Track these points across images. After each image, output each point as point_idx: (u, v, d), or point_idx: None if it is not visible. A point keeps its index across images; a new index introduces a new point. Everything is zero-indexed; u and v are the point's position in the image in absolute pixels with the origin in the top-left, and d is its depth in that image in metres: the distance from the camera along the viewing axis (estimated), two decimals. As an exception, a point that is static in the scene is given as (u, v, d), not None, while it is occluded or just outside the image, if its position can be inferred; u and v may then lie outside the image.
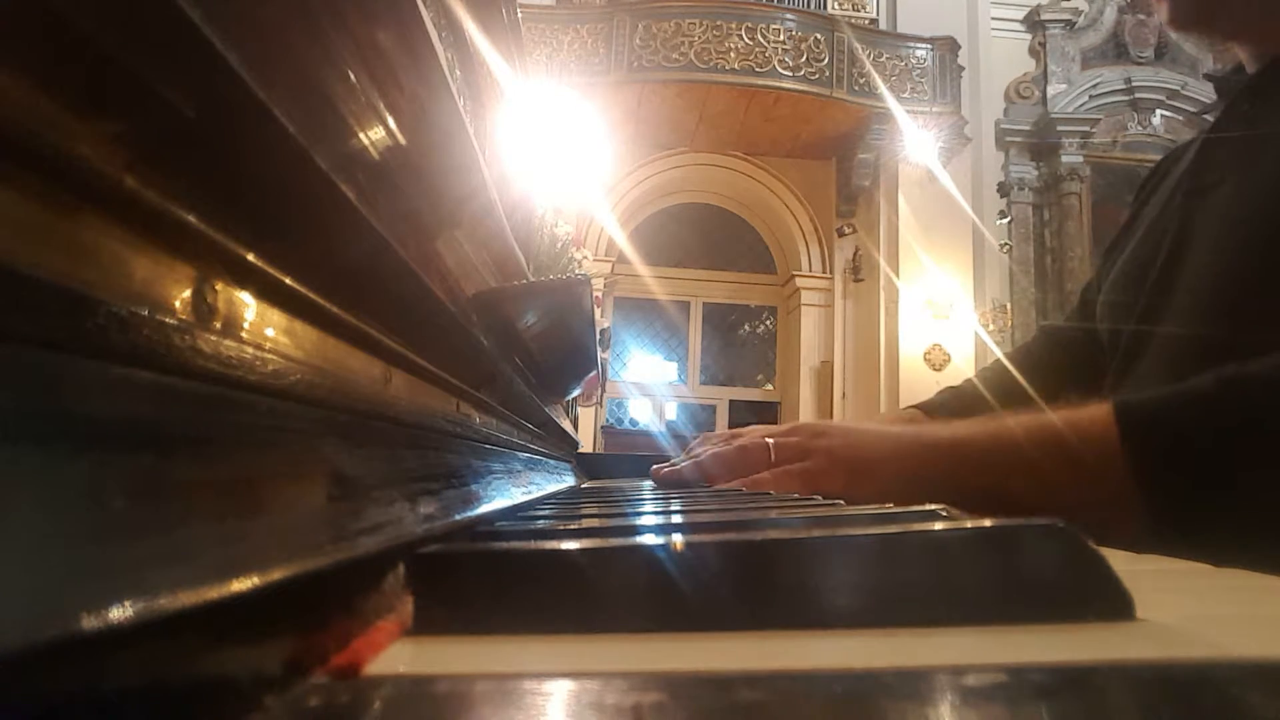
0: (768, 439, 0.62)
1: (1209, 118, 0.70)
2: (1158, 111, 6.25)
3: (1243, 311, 0.56)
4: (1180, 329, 0.60)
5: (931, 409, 0.87)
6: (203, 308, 0.16)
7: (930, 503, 0.54)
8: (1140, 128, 6.32)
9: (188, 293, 0.15)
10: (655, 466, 0.76)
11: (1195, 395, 0.46)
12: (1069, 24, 6.45)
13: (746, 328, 7.15)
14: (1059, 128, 6.20)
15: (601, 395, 5.64)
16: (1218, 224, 0.59)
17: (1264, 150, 0.58)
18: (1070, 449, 0.48)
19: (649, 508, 0.47)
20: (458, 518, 0.29)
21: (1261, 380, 0.44)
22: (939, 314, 5.88)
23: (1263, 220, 0.55)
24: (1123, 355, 0.68)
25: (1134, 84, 6.24)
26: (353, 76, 0.20)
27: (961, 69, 6.08)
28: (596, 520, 0.40)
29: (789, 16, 5.79)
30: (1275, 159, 0.56)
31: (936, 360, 5.81)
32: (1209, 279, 0.59)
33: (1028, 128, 6.30)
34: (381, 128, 0.22)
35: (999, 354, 0.83)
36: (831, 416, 5.94)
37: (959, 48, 6.06)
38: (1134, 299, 0.67)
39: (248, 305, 0.18)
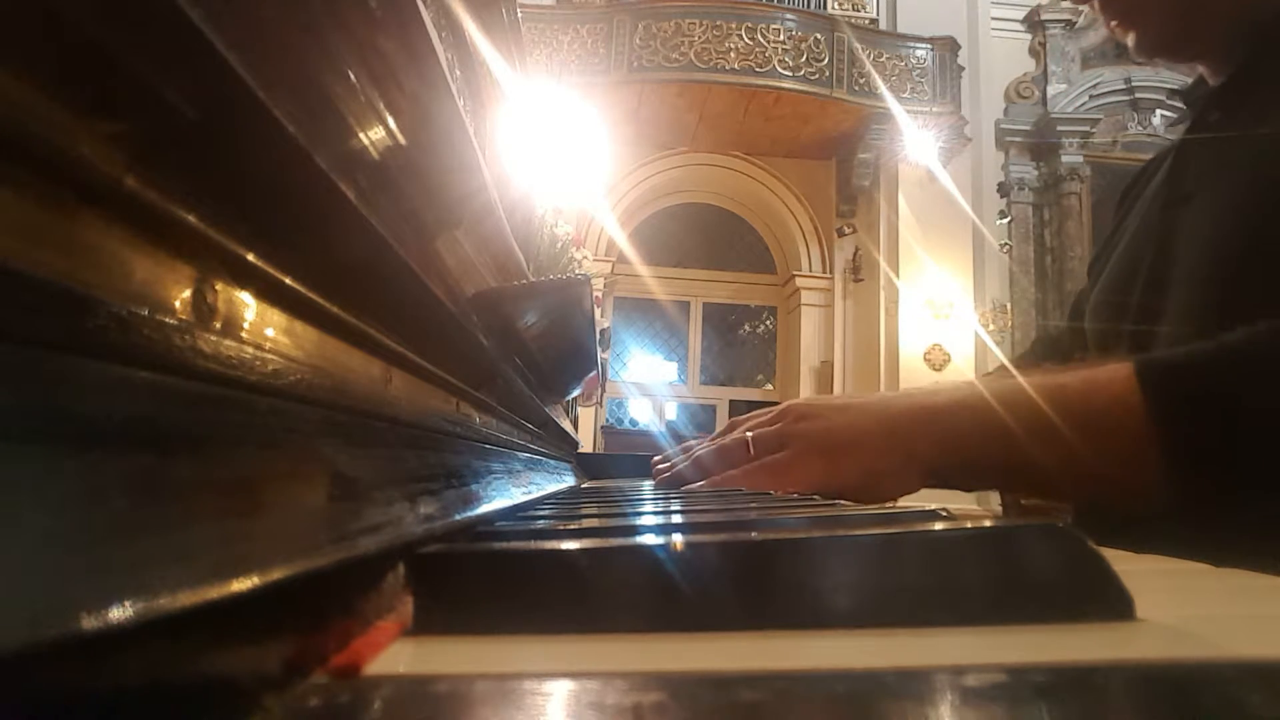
0: (748, 433, 0.59)
1: (1170, 138, 0.72)
2: (1158, 111, 6.25)
3: (1229, 315, 0.56)
4: (1171, 335, 0.60)
5: None
6: (203, 308, 0.16)
7: (925, 478, 0.50)
8: (1140, 128, 6.32)
9: (188, 293, 0.15)
10: (655, 463, 0.74)
11: (1222, 348, 0.44)
12: (1069, 24, 6.44)
13: (746, 328, 7.15)
14: (1059, 128, 6.21)
15: (601, 395, 5.64)
16: (1198, 231, 0.60)
17: (1235, 157, 0.59)
18: (1088, 408, 0.45)
19: (648, 508, 0.47)
20: (458, 518, 0.29)
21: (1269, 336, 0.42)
22: (939, 314, 5.88)
23: (1240, 225, 0.56)
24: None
25: (1134, 84, 6.25)
26: (353, 76, 0.20)
27: (961, 69, 6.09)
28: (596, 520, 0.40)
29: (789, 16, 5.79)
30: (1246, 165, 0.57)
31: (936, 360, 5.81)
32: (1195, 285, 0.59)
33: (1028, 128, 6.30)
34: (381, 128, 0.22)
35: (999, 354, 0.83)
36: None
37: (959, 48, 6.06)
38: (1122, 309, 0.67)
39: (248, 305, 0.18)
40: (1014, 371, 0.50)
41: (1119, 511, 0.50)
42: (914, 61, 5.98)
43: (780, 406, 0.61)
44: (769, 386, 6.99)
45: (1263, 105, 0.59)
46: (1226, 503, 0.42)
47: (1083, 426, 0.45)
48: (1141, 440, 0.43)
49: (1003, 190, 6.32)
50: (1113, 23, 0.68)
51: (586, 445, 4.75)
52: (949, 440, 0.50)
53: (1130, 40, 0.67)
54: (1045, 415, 0.46)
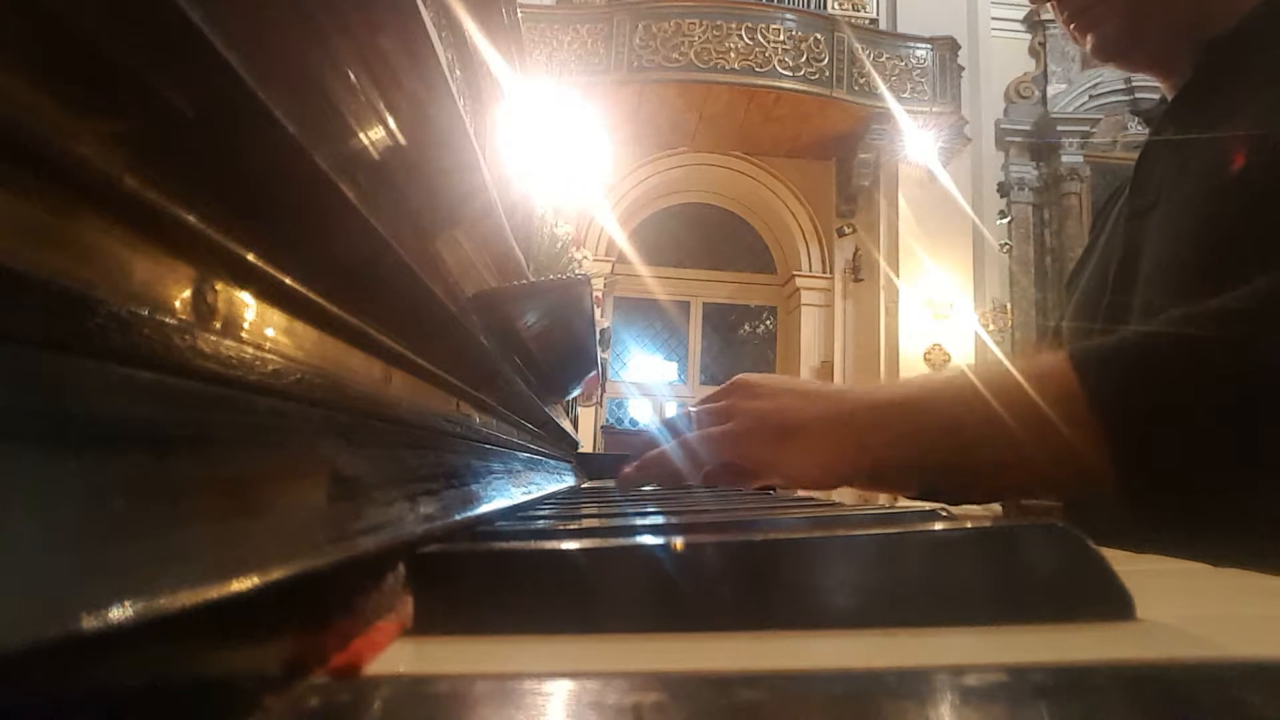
0: (690, 409, 0.57)
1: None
2: (1158, 112, 6.24)
3: None
4: None
5: None
6: (203, 308, 0.16)
7: (873, 474, 0.50)
8: (1140, 128, 6.31)
9: (188, 293, 0.15)
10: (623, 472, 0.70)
11: (1145, 332, 0.46)
12: (1069, 24, 6.43)
13: (746, 328, 7.15)
14: (1059, 128, 6.20)
15: (601, 395, 5.64)
16: (1157, 242, 0.62)
17: (1187, 168, 0.61)
18: (1032, 400, 0.46)
19: (648, 508, 0.47)
20: (458, 518, 0.29)
21: (1209, 316, 0.44)
22: (939, 314, 5.88)
23: (1191, 233, 0.58)
24: None
25: (1134, 84, 6.24)
26: (353, 76, 0.20)
27: (961, 69, 6.09)
28: (596, 520, 0.40)
29: (789, 16, 5.79)
30: (1196, 175, 0.59)
31: (937, 360, 5.80)
32: (1156, 293, 0.61)
33: (1028, 128, 6.30)
34: (381, 128, 0.22)
35: (999, 354, 0.85)
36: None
37: (959, 48, 6.06)
38: (1092, 318, 0.69)
39: (247, 305, 0.18)
40: (972, 367, 0.51)
41: (1070, 500, 0.52)
42: (914, 61, 5.98)
43: (730, 381, 0.59)
44: (769, 386, 6.98)
45: (1210, 118, 0.62)
46: (1167, 486, 0.44)
47: (1028, 419, 0.46)
48: (1083, 424, 0.44)
49: (1003, 190, 6.32)
50: (1071, 25, 0.69)
51: (586, 445, 4.75)
52: (903, 436, 0.49)
53: (1088, 42, 0.69)
54: (992, 408, 0.47)
